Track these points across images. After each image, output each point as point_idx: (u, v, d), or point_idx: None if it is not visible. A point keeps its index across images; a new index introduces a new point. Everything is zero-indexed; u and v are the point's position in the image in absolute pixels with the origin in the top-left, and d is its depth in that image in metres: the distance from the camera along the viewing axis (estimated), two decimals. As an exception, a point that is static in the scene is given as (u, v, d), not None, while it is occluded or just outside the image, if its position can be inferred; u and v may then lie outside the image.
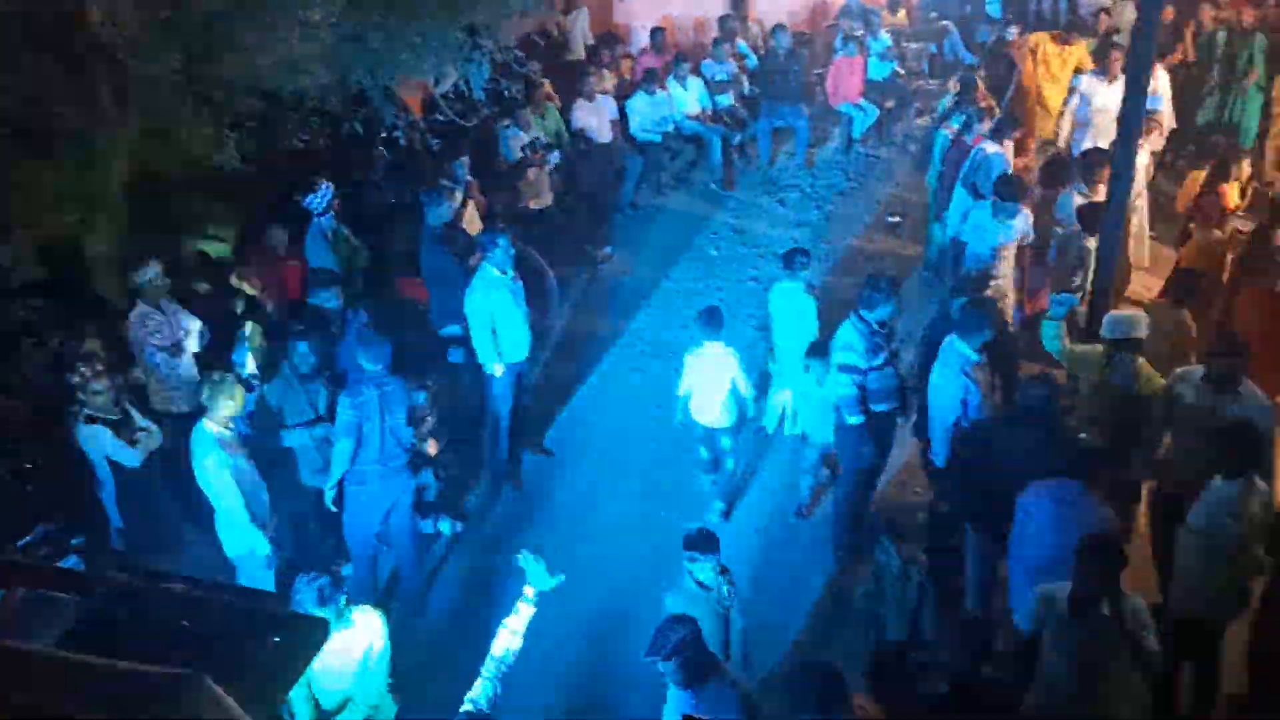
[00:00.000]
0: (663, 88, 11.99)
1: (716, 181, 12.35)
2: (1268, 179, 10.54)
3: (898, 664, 5.57)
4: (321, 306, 7.33)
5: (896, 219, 11.57)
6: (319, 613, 5.00)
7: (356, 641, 5.35)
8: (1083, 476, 5.44)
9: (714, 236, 11.54)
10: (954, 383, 6.38)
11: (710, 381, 7.40)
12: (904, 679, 5.61)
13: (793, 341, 7.71)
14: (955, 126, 9.87)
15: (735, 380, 7.36)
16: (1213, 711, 5.67)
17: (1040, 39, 11.43)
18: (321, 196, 8.07)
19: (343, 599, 5.29)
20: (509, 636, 4.55)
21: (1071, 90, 10.50)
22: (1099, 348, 6.50)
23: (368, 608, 5.53)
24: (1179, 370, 6.38)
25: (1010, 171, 9.01)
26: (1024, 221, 8.30)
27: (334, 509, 6.68)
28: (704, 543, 5.40)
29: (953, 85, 11.20)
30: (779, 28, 12.44)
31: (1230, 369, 5.97)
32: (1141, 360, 6.30)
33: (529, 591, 4.65)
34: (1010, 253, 8.26)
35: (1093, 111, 10.04)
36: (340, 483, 6.59)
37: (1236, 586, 5.43)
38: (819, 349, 7.11)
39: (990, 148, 9.23)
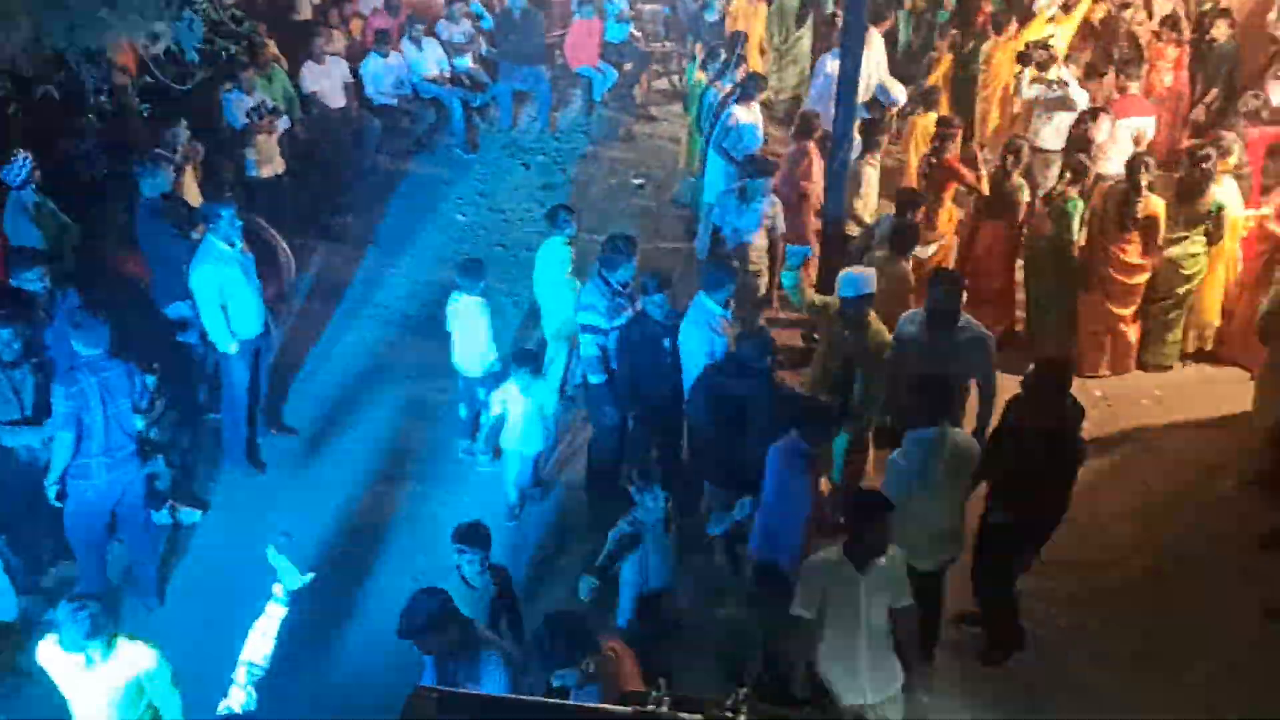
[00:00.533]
0: (397, 49, 11.67)
1: (459, 145, 12.17)
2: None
3: (657, 611, 5.63)
4: (24, 289, 6.72)
5: (639, 181, 11.75)
6: (89, 646, 4.55)
7: (119, 675, 4.82)
8: (802, 430, 5.63)
9: (459, 202, 11.38)
10: (701, 337, 6.55)
11: (466, 333, 7.39)
12: (665, 625, 5.66)
13: (557, 303, 7.72)
14: (727, 86, 10.02)
15: (486, 334, 7.41)
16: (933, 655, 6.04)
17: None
18: (19, 168, 7.37)
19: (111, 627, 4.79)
20: (261, 640, 4.36)
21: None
22: (835, 299, 6.78)
23: (134, 640, 4.96)
24: (908, 313, 6.78)
25: (756, 151, 9.16)
26: (770, 205, 8.18)
27: (58, 504, 6.18)
28: (472, 536, 5.23)
29: (698, 49, 11.42)
30: (508, -8, 12.36)
31: (948, 306, 6.35)
32: (872, 314, 6.61)
33: (279, 590, 4.46)
34: (760, 237, 8.21)
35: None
36: (63, 476, 6.10)
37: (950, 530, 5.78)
38: (527, 358, 6.96)
39: (741, 114, 9.39)
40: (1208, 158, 8.21)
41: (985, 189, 8.74)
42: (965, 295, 6.78)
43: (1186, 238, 8.28)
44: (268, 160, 9.72)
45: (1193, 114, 10.84)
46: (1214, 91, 10.76)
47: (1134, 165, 8.20)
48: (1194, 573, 6.80)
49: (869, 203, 9.00)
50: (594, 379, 6.84)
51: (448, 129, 12.26)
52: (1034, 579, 6.30)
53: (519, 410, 6.96)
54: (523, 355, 7.01)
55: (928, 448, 5.47)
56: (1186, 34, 10.86)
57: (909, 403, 5.65)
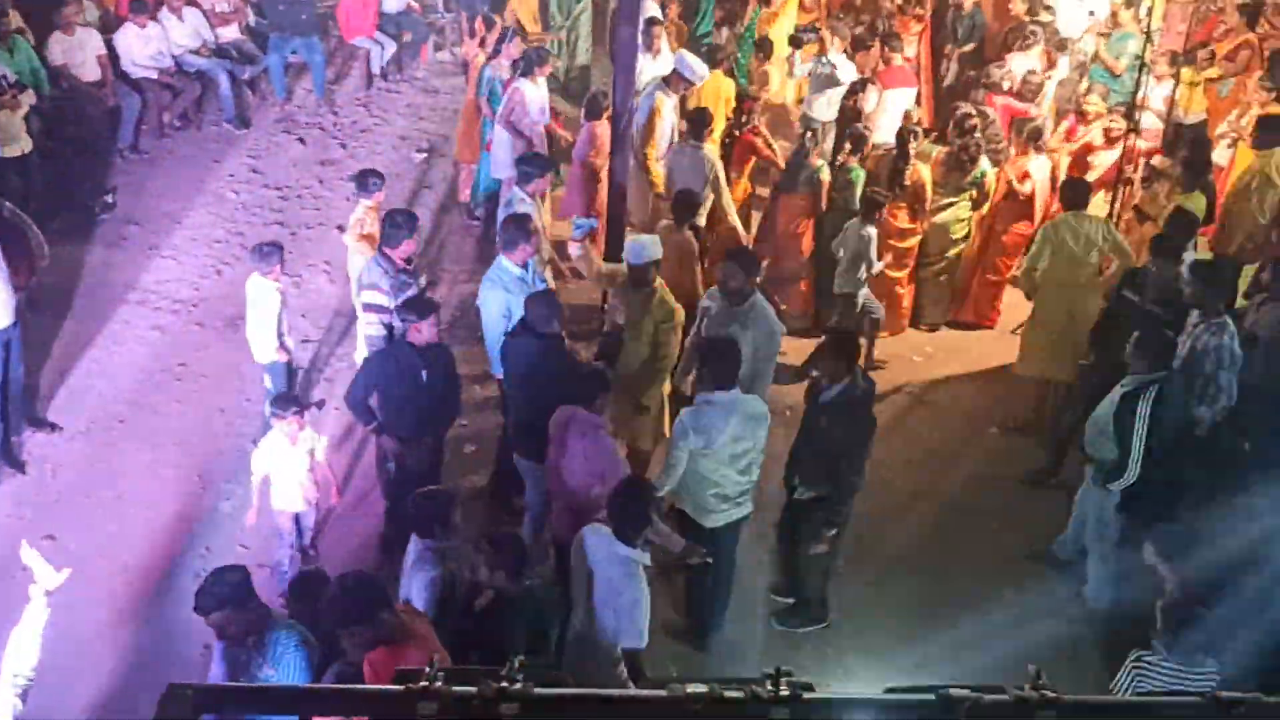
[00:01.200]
0: (154, 19, 10.98)
1: (228, 120, 11.58)
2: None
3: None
4: None
5: (423, 154, 11.50)
6: None
7: None
8: (584, 400, 5.65)
9: (230, 179, 10.83)
10: (497, 298, 6.48)
11: (257, 316, 7.04)
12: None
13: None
14: (506, 64, 9.82)
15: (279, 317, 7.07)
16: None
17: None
18: None
19: None
20: (22, 646, 4.04)
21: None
22: (624, 266, 6.85)
23: None
24: (712, 288, 6.88)
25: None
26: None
27: None
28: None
29: (479, 23, 11.19)
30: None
31: (735, 282, 6.44)
32: (660, 280, 6.71)
33: (37, 591, 4.15)
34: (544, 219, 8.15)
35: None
36: None
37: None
38: (287, 402, 6.22)
39: (526, 89, 9.27)
40: (974, 127, 8.71)
41: (781, 163, 8.98)
42: (762, 273, 6.94)
43: (955, 204, 8.78)
44: (12, 139, 8.97)
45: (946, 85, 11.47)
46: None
47: (903, 135, 8.60)
48: (967, 516, 7.26)
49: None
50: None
51: (215, 103, 11.64)
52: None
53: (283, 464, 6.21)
54: (283, 399, 6.27)
55: (718, 410, 5.58)
56: (929, 6, 11.42)
57: (702, 368, 5.72)
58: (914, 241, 8.86)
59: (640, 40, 9.35)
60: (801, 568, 6.29)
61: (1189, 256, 7.33)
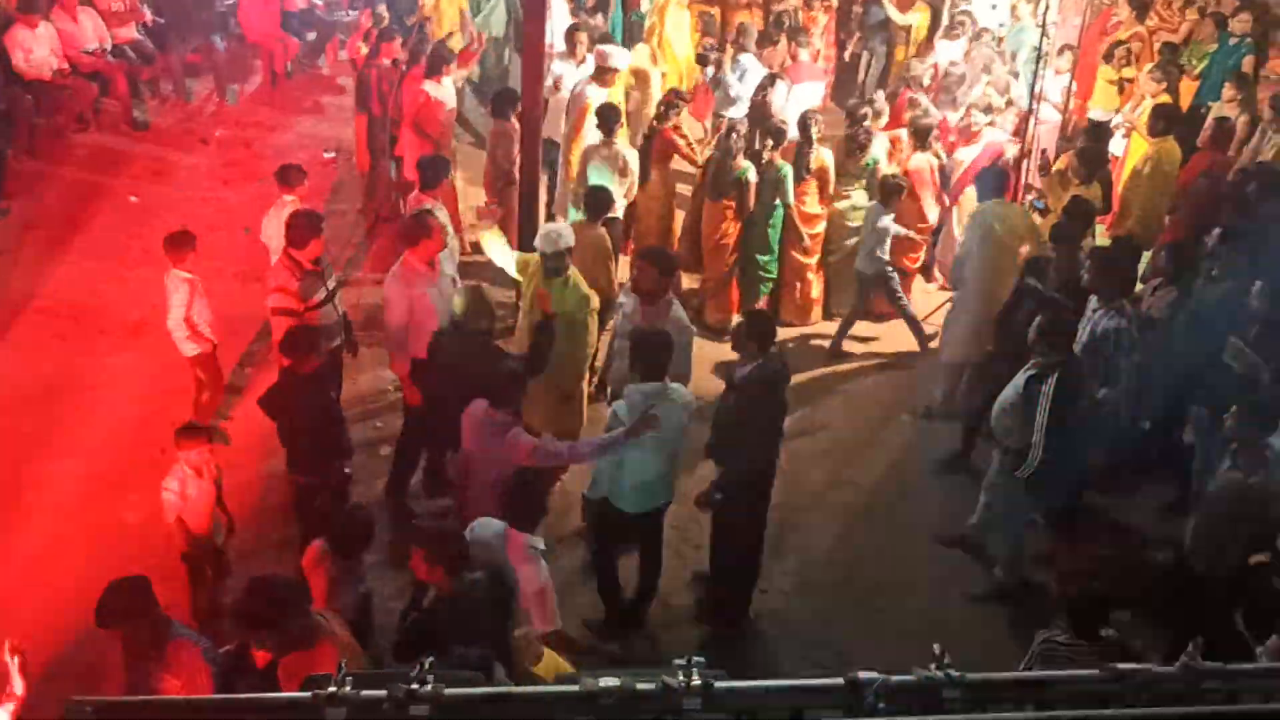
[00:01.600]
0: (48, 19, 10.64)
1: (128, 121, 11.26)
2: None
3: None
4: None
5: (331, 154, 11.33)
6: None
7: None
8: (502, 403, 5.64)
9: (133, 181, 10.54)
10: (403, 296, 6.43)
11: (173, 309, 6.94)
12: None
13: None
14: (386, 63, 9.72)
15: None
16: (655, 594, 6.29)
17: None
18: None
19: None
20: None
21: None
22: (535, 256, 6.84)
23: None
24: (626, 286, 6.96)
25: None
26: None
27: None
28: None
29: (366, 18, 11.05)
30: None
31: (646, 283, 6.49)
32: (573, 269, 6.76)
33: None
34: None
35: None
36: None
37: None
38: (194, 432, 5.92)
39: (431, 89, 9.18)
40: (865, 116, 8.88)
41: (699, 160, 8.99)
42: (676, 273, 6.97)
43: (852, 192, 8.92)
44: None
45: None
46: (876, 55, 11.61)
47: (804, 121, 8.72)
48: (881, 503, 7.38)
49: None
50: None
51: (113, 105, 11.32)
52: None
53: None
54: (189, 430, 5.89)
55: (643, 400, 5.64)
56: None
57: (633, 361, 5.77)
58: (820, 228, 8.99)
59: (565, 46, 9.34)
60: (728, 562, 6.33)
61: (1088, 244, 7.57)
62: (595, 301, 6.76)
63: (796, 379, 8.27)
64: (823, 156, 8.76)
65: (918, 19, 11.78)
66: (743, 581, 6.34)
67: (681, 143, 9.01)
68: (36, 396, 7.77)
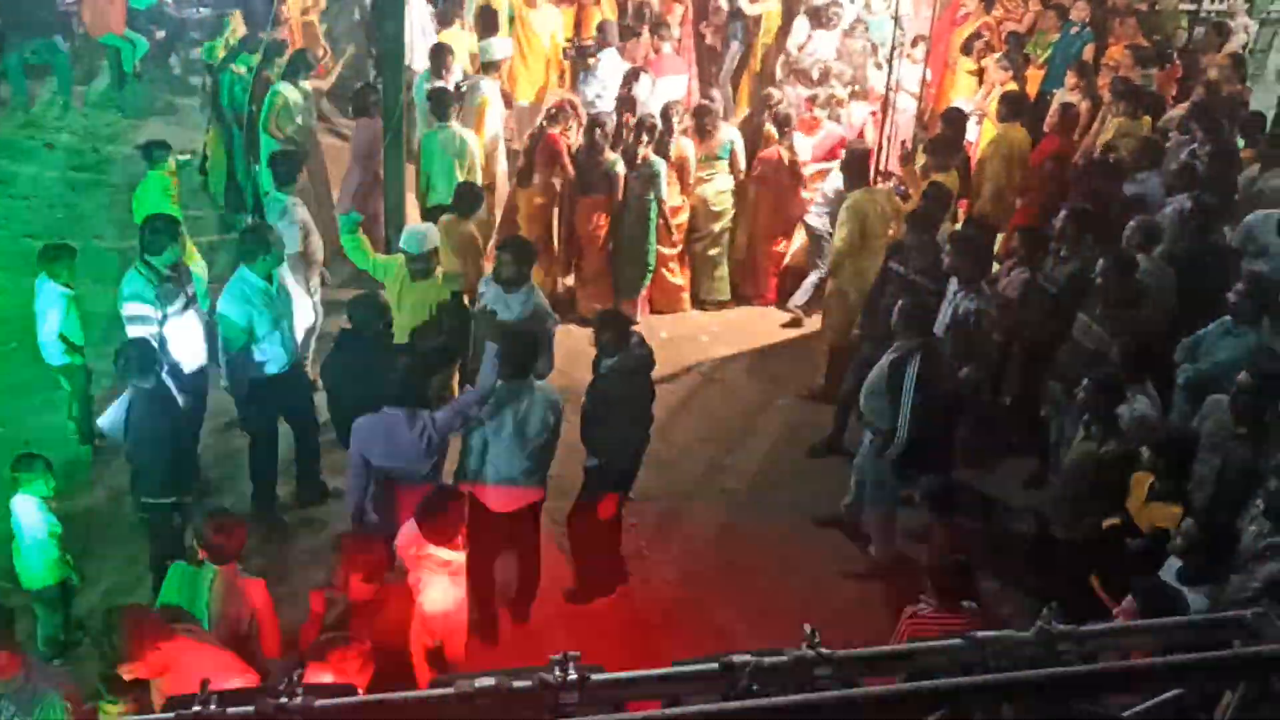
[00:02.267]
0: None
1: (-35, 128, 10.73)
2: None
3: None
4: None
5: (185, 157, 10.91)
6: None
7: None
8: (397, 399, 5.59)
9: (-26, 190, 10.04)
10: (241, 311, 6.26)
11: (48, 322, 6.79)
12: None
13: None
14: (242, 68, 9.44)
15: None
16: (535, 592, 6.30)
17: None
18: None
19: None
20: None
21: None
22: (400, 257, 6.82)
23: None
24: (487, 275, 6.96)
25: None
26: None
27: None
28: None
29: (235, 16, 10.71)
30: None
31: (507, 272, 6.56)
32: (439, 269, 6.76)
33: None
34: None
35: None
36: None
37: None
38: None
39: (288, 92, 8.99)
40: (711, 100, 9.17)
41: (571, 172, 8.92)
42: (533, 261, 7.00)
43: (712, 177, 9.03)
44: None
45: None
46: (734, 46, 11.73)
47: (666, 111, 8.80)
48: (759, 488, 7.50)
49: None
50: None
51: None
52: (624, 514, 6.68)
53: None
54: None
55: (505, 396, 5.66)
56: None
57: (499, 357, 5.71)
58: (684, 219, 9.09)
59: (431, 65, 9.16)
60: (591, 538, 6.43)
61: (947, 228, 7.82)
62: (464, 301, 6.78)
63: (671, 369, 8.46)
64: (683, 146, 8.85)
65: (771, 7, 11.93)
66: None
67: (564, 150, 8.92)
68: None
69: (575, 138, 8.82)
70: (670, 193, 8.85)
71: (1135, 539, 5.54)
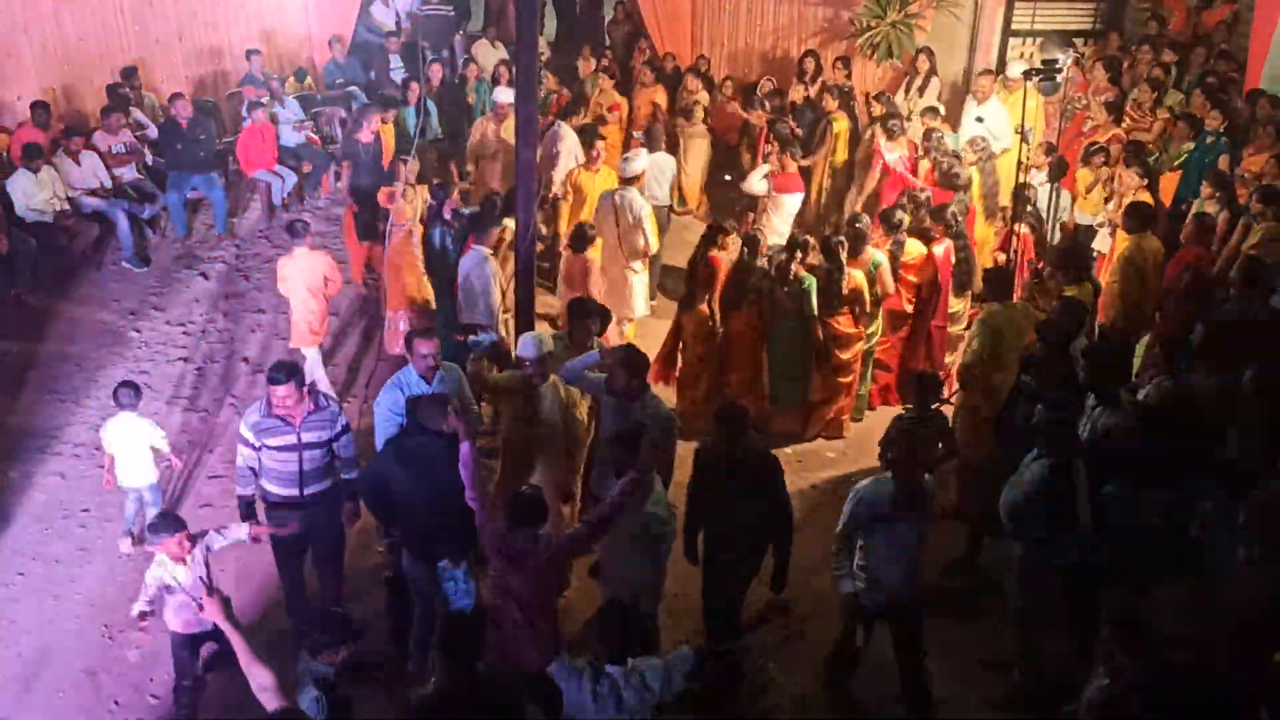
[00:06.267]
0: (49, 163, 10.91)
1: (127, 259, 11.44)
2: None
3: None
4: None
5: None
6: None
7: None
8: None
9: (132, 317, 10.66)
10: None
11: (130, 448, 7.50)
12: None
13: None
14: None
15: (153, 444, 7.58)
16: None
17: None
18: None
19: None
20: None
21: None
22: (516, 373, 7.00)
23: None
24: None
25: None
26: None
27: None
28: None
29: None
30: (176, 96, 11.91)
31: (620, 386, 6.56)
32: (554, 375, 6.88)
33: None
34: None
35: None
36: None
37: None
38: (168, 523, 5.99)
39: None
40: (859, 218, 9.08)
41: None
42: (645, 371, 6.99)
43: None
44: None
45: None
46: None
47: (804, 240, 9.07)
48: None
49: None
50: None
51: (113, 243, 11.52)
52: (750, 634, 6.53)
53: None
54: (163, 520, 6.02)
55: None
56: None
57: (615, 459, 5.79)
58: (859, 348, 9.18)
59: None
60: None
61: (1080, 343, 7.62)
62: (582, 411, 6.91)
63: (798, 486, 8.38)
64: (855, 277, 8.85)
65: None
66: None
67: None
68: (35, 537, 7.79)
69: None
70: (844, 322, 8.91)
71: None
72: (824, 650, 6.82)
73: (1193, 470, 6.53)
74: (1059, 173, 10.12)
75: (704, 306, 8.99)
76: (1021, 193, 9.72)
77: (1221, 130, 10.54)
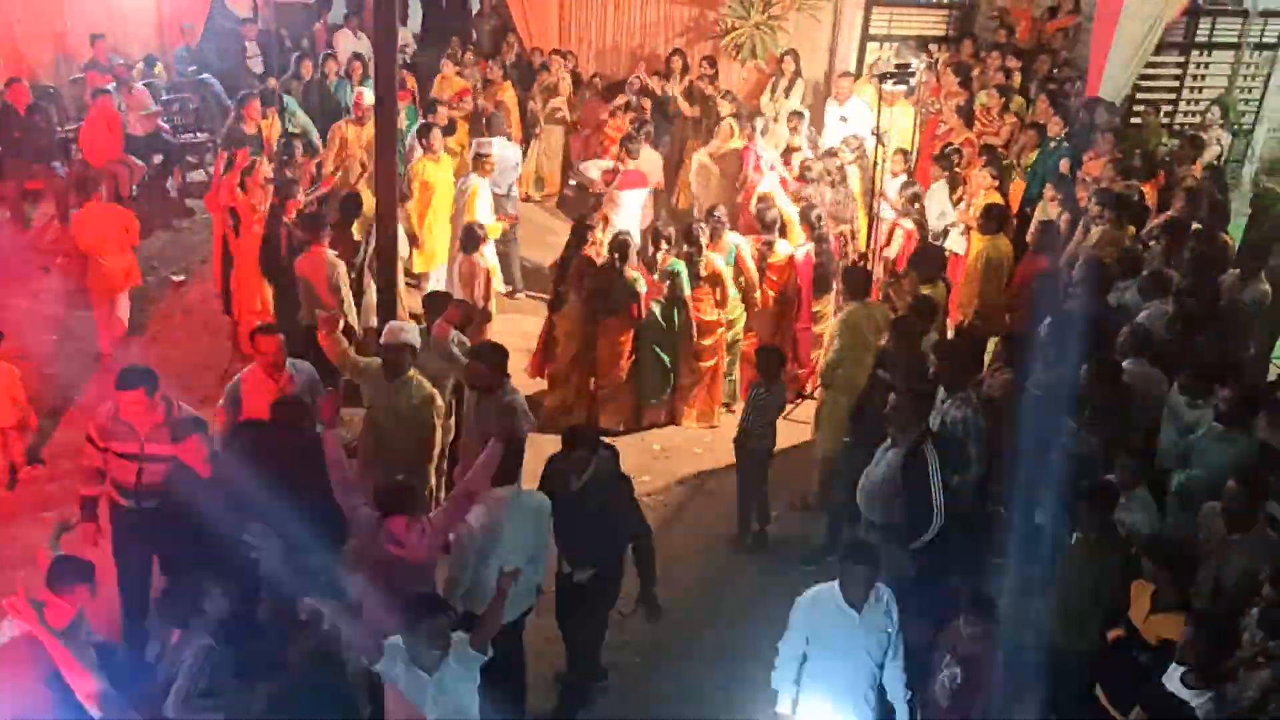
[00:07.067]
0: None
1: (-39, 252, 10.84)
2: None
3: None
4: None
5: (180, 277, 11.11)
6: None
7: None
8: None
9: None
10: None
11: None
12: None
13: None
14: None
15: None
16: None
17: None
18: None
19: None
20: None
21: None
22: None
23: None
24: None
25: None
26: None
27: None
28: None
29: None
30: (14, 81, 11.35)
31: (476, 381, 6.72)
32: (414, 369, 6.77)
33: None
34: None
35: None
36: None
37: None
38: None
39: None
40: (716, 209, 9.43)
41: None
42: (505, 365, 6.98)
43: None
44: None
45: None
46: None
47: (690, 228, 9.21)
48: (751, 599, 7.38)
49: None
50: None
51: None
52: (614, 628, 6.58)
53: None
54: None
55: (496, 506, 5.66)
56: None
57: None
58: (721, 334, 9.30)
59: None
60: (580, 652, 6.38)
61: (932, 338, 7.88)
62: (439, 400, 6.80)
63: (664, 481, 8.48)
64: (713, 260, 9.03)
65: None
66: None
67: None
68: None
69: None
70: (705, 308, 9.05)
71: (1143, 651, 5.44)
72: (693, 643, 6.94)
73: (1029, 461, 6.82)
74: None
75: (577, 306, 8.98)
76: (875, 192, 9.97)
77: (1063, 136, 11.03)
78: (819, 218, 9.65)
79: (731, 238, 9.31)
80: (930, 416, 6.76)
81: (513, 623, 5.83)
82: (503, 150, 10.98)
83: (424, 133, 10.55)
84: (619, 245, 8.89)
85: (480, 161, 10.14)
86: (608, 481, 6.11)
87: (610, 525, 6.09)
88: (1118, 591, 5.70)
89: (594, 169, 11.15)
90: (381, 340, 6.80)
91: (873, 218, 9.76)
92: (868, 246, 10.36)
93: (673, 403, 9.37)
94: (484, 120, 11.65)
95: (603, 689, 6.57)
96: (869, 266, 9.69)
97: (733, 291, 9.19)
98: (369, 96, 10.75)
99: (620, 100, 12.67)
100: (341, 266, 8.49)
